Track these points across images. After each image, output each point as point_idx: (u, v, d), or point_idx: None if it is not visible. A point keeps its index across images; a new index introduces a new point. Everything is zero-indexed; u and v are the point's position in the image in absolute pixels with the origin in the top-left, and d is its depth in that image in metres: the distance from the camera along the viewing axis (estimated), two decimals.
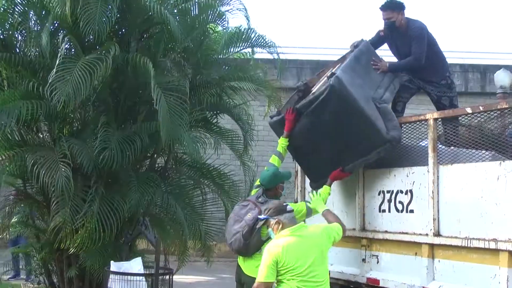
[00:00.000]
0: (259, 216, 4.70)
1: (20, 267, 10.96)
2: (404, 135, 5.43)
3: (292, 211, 4.58)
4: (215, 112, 7.95)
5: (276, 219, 4.42)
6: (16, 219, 8.13)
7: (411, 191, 5.19)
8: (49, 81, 5.80)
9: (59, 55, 5.90)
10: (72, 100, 5.87)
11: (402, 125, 5.42)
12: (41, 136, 7.31)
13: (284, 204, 4.65)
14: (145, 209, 6.87)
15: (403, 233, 5.22)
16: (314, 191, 5.32)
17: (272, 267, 4.23)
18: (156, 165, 8.03)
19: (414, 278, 5.05)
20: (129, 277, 5.41)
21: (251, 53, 8.62)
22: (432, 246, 4.93)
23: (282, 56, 8.19)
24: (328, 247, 4.43)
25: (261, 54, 8.99)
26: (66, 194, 6.07)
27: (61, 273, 7.65)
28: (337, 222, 4.73)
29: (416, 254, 5.09)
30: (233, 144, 8.31)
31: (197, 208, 7.94)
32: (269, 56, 8.32)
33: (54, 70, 5.80)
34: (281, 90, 8.26)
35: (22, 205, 7.97)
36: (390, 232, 5.35)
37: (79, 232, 6.28)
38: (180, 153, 8.36)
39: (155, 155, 7.97)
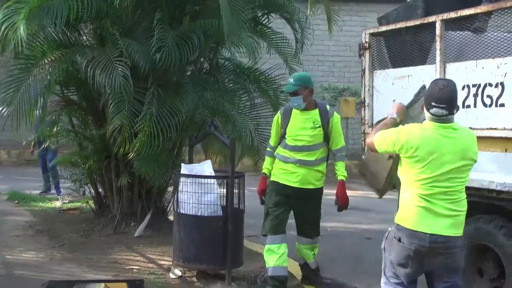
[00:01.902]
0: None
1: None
2: (495, 24, 5.02)
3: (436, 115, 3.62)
4: (265, 11, 7.48)
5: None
6: (55, 129, 7.88)
7: (502, 83, 4.81)
8: None
9: None
10: None
11: (495, 12, 4.99)
12: (86, 37, 6.91)
13: (433, 103, 3.60)
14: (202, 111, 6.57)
15: (491, 128, 4.89)
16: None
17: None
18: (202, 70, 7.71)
19: (505, 176, 4.78)
20: (200, 179, 5.17)
21: None
22: None
23: None
24: None
25: None
26: (125, 94, 5.74)
27: (109, 182, 7.50)
28: None
29: (506, 150, 4.79)
30: (280, 47, 7.91)
31: (246, 112, 7.67)
32: None
33: None
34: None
35: (63, 114, 7.71)
36: (476, 129, 4.99)
37: (138, 136, 6.00)
38: (222, 58, 8.02)
39: (202, 59, 7.62)
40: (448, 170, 3.60)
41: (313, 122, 5.06)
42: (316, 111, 5.10)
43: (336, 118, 5.18)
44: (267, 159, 5.29)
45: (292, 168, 5.06)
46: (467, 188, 4.13)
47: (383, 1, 18.38)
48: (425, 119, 3.75)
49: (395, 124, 3.93)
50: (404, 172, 3.75)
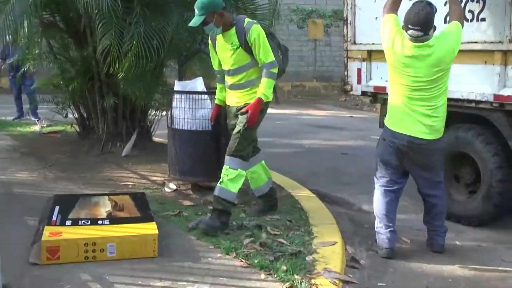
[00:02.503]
0: None
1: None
2: None
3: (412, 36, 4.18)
4: None
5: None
6: (37, 51, 7.83)
7: None
8: None
9: None
10: None
11: None
12: None
13: (409, 26, 4.17)
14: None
15: (472, 42, 5.12)
16: None
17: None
18: None
19: (483, 87, 5.07)
20: (194, 95, 5.33)
21: None
22: (505, 53, 4.88)
23: None
24: None
25: None
26: (113, 14, 5.76)
27: (93, 104, 7.57)
28: (459, 17, 4.48)
29: (485, 62, 5.06)
30: None
31: None
32: None
33: None
34: None
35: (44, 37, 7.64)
36: None
37: (128, 55, 6.07)
38: None
39: None
40: (424, 81, 4.19)
41: (231, 44, 4.65)
42: (233, 31, 4.62)
43: (253, 31, 4.53)
44: (217, 86, 5.08)
45: (228, 93, 4.92)
46: (448, 100, 4.59)
47: None
48: None
49: None
50: (390, 78, 4.38)
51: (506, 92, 4.91)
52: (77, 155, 7.39)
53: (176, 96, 5.37)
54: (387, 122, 4.46)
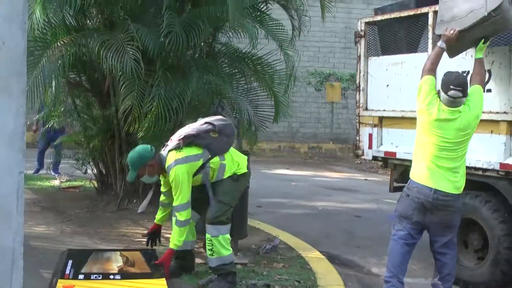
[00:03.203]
0: None
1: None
2: None
3: (453, 97, 4.36)
4: None
5: (438, 90, 4.55)
6: (62, 109, 8.16)
7: (489, 70, 5.25)
8: None
9: None
10: None
11: None
12: (93, 21, 7.20)
13: (451, 87, 4.39)
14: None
15: None
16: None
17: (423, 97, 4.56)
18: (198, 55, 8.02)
19: (490, 155, 5.23)
20: None
21: None
22: (510, 123, 5.07)
23: None
24: None
25: None
26: (136, 76, 6.07)
27: (111, 161, 7.81)
28: (481, 79, 4.73)
29: (492, 132, 5.23)
30: (275, 34, 8.25)
31: (243, 95, 8.02)
32: None
33: None
34: None
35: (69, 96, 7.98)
36: None
37: (148, 116, 6.34)
38: (219, 43, 8.34)
39: (202, 44, 7.93)
40: (451, 142, 4.46)
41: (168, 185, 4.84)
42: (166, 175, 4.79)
43: (171, 175, 4.60)
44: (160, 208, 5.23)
45: None
46: None
47: None
48: None
49: (442, 51, 4.71)
50: (418, 136, 4.63)
51: (511, 161, 5.05)
52: (94, 211, 7.59)
53: None
54: (413, 176, 4.59)
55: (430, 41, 5.70)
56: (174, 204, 4.63)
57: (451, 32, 4.66)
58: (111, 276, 4.33)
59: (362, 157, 6.63)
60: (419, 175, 4.54)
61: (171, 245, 4.63)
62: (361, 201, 10.13)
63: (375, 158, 6.49)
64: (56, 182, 10.10)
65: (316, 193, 10.97)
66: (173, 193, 4.63)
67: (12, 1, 1.76)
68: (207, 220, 4.70)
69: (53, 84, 6.26)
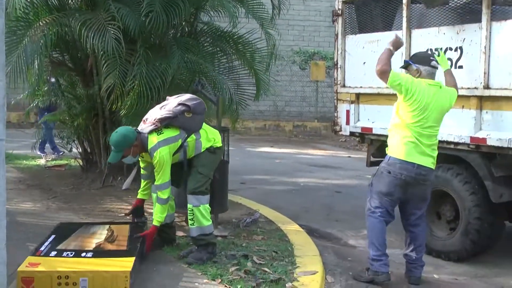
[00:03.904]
0: (405, 59, 5.14)
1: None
2: None
3: (435, 67, 4.92)
4: None
5: (417, 68, 4.89)
6: (46, 88, 8.26)
7: (461, 47, 5.41)
8: None
9: None
10: None
11: None
12: (75, 1, 7.27)
13: (431, 57, 5.00)
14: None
15: None
16: (440, 51, 5.43)
17: (404, 86, 4.75)
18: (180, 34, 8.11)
19: (461, 129, 5.41)
20: None
21: None
22: (480, 98, 5.24)
23: None
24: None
25: None
26: (117, 55, 6.17)
27: (96, 139, 7.93)
28: (455, 86, 5.11)
29: (463, 107, 5.40)
30: (256, 12, 8.34)
31: (225, 74, 8.14)
32: None
33: None
34: None
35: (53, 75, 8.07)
36: None
37: (130, 94, 6.45)
38: (201, 22, 8.43)
39: (183, 23, 8.03)
40: (433, 119, 4.79)
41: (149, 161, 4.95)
42: (147, 154, 4.87)
43: (155, 158, 4.73)
44: (142, 182, 5.26)
45: None
46: None
47: None
48: None
49: (391, 54, 4.96)
50: (403, 115, 4.81)
51: (481, 134, 5.25)
52: (79, 188, 7.73)
53: None
54: (393, 153, 4.82)
55: (404, 19, 5.85)
56: (157, 183, 4.80)
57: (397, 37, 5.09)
58: (83, 254, 4.32)
59: (340, 133, 6.81)
60: (400, 151, 4.79)
61: (154, 222, 4.82)
62: (342, 177, 10.34)
63: (352, 133, 6.66)
64: (42, 161, 10.22)
65: (299, 170, 11.16)
66: (156, 173, 4.78)
67: None
68: (188, 191, 4.87)
69: (36, 63, 6.34)
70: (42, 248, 4.40)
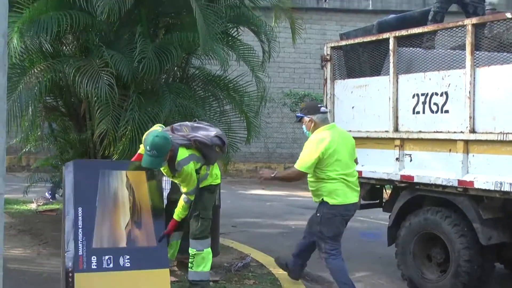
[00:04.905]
0: (296, 114, 5.41)
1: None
2: (440, 42, 5.76)
3: (326, 112, 5.27)
4: (235, 24, 8.11)
5: (310, 118, 5.20)
6: (39, 133, 8.30)
7: (446, 92, 5.55)
8: None
9: None
10: (116, 11, 5.98)
11: (440, 31, 5.75)
12: (69, 47, 7.40)
13: (319, 105, 5.35)
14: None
15: (437, 132, 5.61)
16: None
17: (317, 158, 5.05)
18: (172, 79, 8.24)
19: (449, 173, 5.50)
20: None
21: None
22: (467, 142, 5.35)
23: None
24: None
25: None
26: (110, 101, 6.27)
27: None
28: None
29: (450, 150, 5.51)
30: (247, 57, 8.50)
31: (216, 118, 8.24)
32: None
33: None
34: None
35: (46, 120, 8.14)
36: (424, 132, 5.75)
37: (122, 140, 6.52)
38: (193, 67, 8.58)
39: (175, 68, 8.17)
40: (348, 157, 5.25)
41: (166, 170, 5.08)
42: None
43: (182, 173, 4.91)
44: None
45: None
46: (418, 184, 5.16)
47: (342, 11, 19.29)
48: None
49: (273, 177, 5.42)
50: (325, 167, 5.12)
51: (468, 178, 5.34)
52: None
53: (165, 178, 5.76)
54: (337, 201, 5.15)
55: (391, 64, 6.01)
56: (185, 191, 4.97)
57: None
58: (121, 261, 4.52)
59: None
60: (339, 196, 5.14)
61: (176, 217, 5.04)
62: None
63: None
64: (33, 206, 10.20)
65: (290, 212, 11.18)
66: (183, 183, 4.97)
67: None
68: (191, 236, 5.04)
69: (30, 109, 6.43)
70: (80, 252, 4.47)
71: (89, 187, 4.86)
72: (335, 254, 5.19)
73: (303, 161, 5.14)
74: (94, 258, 4.49)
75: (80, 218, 4.68)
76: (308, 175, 5.24)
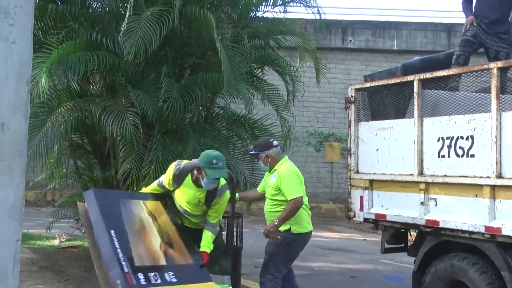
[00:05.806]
0: (251, 152, 5.69)
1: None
2: (465, 84, 5.73)
3: (278, 145, 5.64)
4: (259, 65, 8.19)
5: (266, 153, 5.53)
6: (64, 170, 8.40)
7: (472, 136, 5.48)
8: (121, 32, 5.99)
9: (128, 6, 6.07)
10: (142, 51, 6.08)
11: (464, 74, 5.72)
12: (95, 87, 7.53)
13: (271, 140, 5.72)
14: None
15: (463, 176, 5.51)
16: None
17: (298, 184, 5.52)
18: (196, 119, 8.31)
19: (475, 218, 5.38)
20: None
21: (284, 11, 8.77)
22: (493, 187, 5.24)
23: (322, 16, 8.41)
24: None
25: (298, 13, 9.30)
26: (135, 141, 6.33)
27: None
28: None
29: (476, 195, 5.40)
30: (271, 98, 8.56)
31: (240, 158, 8.26)
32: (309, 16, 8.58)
33: (126, 21, 5.98)
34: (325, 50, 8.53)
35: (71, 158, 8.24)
36: (450, 176, 5.64)
37: (145, 179, 6.56)
38: (217, 107, 8.65)
39: (200, 108, 8.24)
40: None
41: (199, 201, 5.00)
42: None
43: (224, 196, 5.02)
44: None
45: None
46: (443, 229, 5.05)
47: (367, 50, 19.36)
48: None
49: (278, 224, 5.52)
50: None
51: (496, 224, 5.21)
52: (92, 270, 7.65)
53: None
54: (299, 229, 5.52)
55: (415, 107, 5.97)
56: (213, 221, 5.07)
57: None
58: (167, 276, 4.48)
59: (354, 219, 6.80)
60: (303, 224, 5.56)
61: (206, 249, 4.97)
62: (357, 262, 10.20)
63: (366, 220, 6.65)
64: (55, 242, 10.23)
65: (313, 253, 11.02)
66: (215, 213, 5.06)
67: (17, 90, 2.00)
68: (226, 272, 5.23)
69: (56, 147, 6.52)
70: (126, 270, 4.34)
71: (114, 212, 4.87)
72: (278, 278, 5.46)
73: (292, 189, 5.46)
74: (140, 275, 4.38)
75: (115, 239, 4.62)
76: (271, 204, 5.55)
